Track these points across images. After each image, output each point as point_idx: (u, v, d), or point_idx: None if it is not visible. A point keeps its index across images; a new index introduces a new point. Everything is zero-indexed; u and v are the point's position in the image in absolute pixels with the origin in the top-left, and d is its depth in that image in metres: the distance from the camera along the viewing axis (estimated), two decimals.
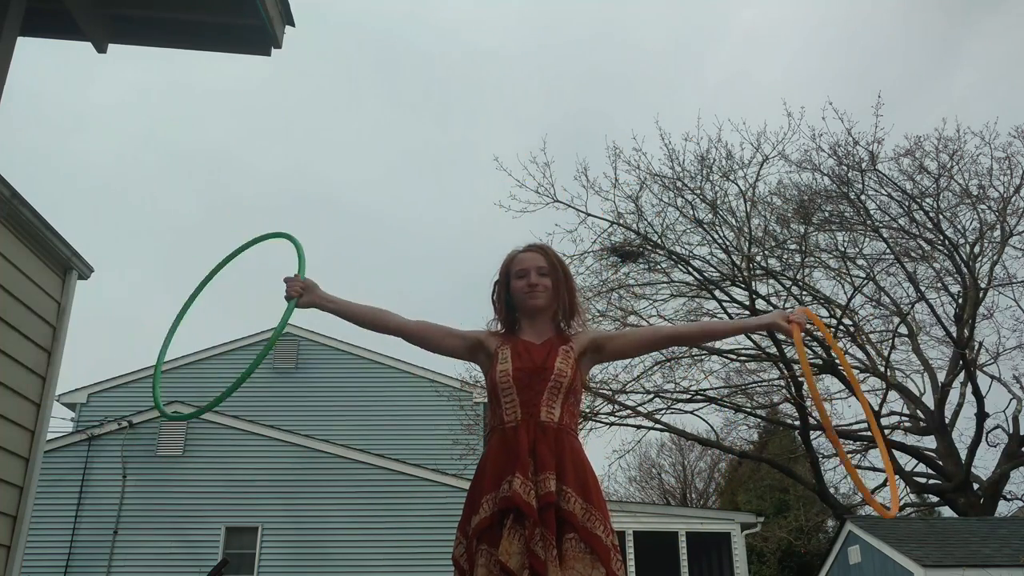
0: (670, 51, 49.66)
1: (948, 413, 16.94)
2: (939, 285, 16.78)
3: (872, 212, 16.17)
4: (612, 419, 14.84)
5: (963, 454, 16.43)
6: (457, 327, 2.59)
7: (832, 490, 17.75)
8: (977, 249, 16.40)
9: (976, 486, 16.50)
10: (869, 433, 16.86)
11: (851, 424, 17.80)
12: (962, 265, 16.12)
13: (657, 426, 15.84)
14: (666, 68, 48.67)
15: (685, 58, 50.02)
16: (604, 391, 14.50)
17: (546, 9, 48.05)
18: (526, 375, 2.36)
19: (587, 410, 14.18)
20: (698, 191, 15.22)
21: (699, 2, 42.74)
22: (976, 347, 16.43)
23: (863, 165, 15.74)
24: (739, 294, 15.67)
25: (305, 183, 53.00)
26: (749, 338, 16.46)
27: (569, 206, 14.74)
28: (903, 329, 17.34)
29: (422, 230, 51.77)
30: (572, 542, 2.14)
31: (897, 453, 16.92)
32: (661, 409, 15.51)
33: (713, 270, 15.63)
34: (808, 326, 2.33)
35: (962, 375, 16.40)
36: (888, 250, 16.50)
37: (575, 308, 2.55)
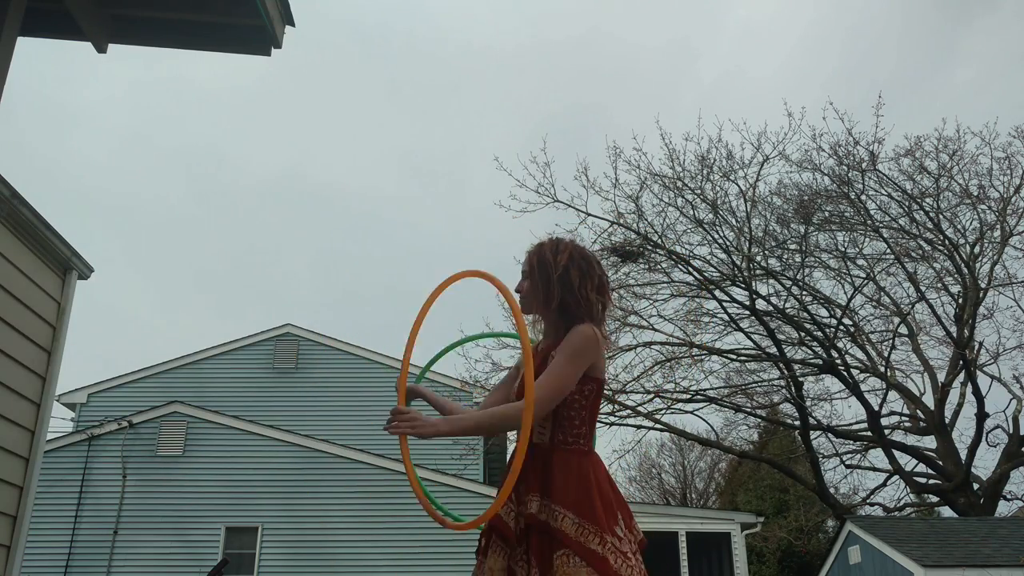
0: (667, 48, 49.68)
1: (948, 413, 16.94)
2: (939, 285, 16.79)
3: (872, 212, 16.18)
4: (612, 419, 14.85)
5: (963, 454, 16.42)
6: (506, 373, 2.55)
7: (832, 490, 17.74)
8: (977, 249, 16.41)
9: (976, 486, 16.49)
10: (869, 433, 16.87)
11: (851, 424, 17.81)
12: (962, 265, 16.11)
13: (657, 426, 15.85)
14: (663, 65, 48.70)
15: (682, 54, 50.05)
16: (604, 391, 14.49)
17: (541, 5, 48.05)
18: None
19: None
20: (698, 191, 15.23)
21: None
22: (976, 347, 16.43)
23: (863, 165, 15.74)
24: (739, 294, 15.70)
25: (301, 177, 52.97)
26: (749, 338, 16.48)
27: (569, 206, 14.76)
28: (903, 329, 17.34)
29: (418, 226, 51.79)
30: (565, 557, 2.10)
31: (897, 453, 16.92)
32: (661, 409, 15.52)
33: (713, 270, 15.63)
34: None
35: (962, 375, 16.39)
36: (888, 250, 16.51)
37: (573, 303, 2.31)
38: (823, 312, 16.94)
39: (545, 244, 2.42)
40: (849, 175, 15.96)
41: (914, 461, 17.37)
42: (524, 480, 2.22)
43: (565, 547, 2.10)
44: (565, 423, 2.30)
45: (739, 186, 15.32)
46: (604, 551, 2.11)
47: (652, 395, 15.25)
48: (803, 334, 16.44)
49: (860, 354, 17.42)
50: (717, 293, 15.56)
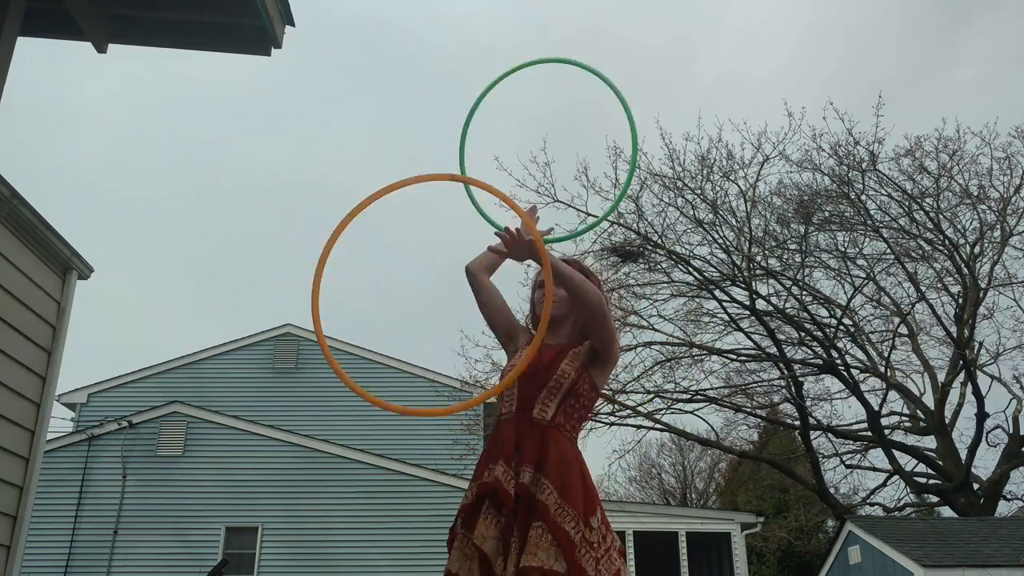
0: (667, 46, 49.69)
1: (948, 413, 16.93)
2: (939, 285, 16.78)
3: (872, 212, 16.17)
4: (612, 419, 14.84)
5: (963, 454, 16.42)
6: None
7: (832, 490, 17.74)
8: (977, 249, 16.40)
9: (976, 486, 16.49)
10: (869, 433, 16.87)
11: (851, 424, 17.81)
12: (962, 265, 16.11)
13: (657, 426, 15.84)
14: (663, 64, 48.71)
15: (682, 53, 50.06)
16: (604, 391, 14.49)
17: (542, 3, 48.10)
18: (530, 372, 2.41)
19: None
20: (698, 191, 15.22)
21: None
22: (976, 347, 16.42)
23: (863, 165, 15.73)
24: (739, 294, 15.68)
25: (301, 175, 52.95)
26: (749, 338, 16.48)
27: (569, 206, 14.74)
28: (903, 329, 17.33)
29: (418, 226, 51.82)
30: (539, 530, 2.18)
31: (897, 453, 16.92)
32: (661, 409, 15.50)
33: (713, 270, 15.63)
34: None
35: (962, 375, 16.39)
36: (888, 250, 16.51)
37: None
38: (823, 312, 16.94)
39: (583, 265, 2.65)
40: (849, 175, 15.95)
41: (914, 461, 17.37)
42: (521, 451, 2.31)
43: (542, 521, 2.18)
44: (568, 409, 2.41)
45: (739, 186, 15.32)
46: (574, 537, 2.19)
47: (652, 395, 15.25)
48: (803, 334, 16.44)
49: (860, 354, 17.41)
50: (717, 293, 15.55)
